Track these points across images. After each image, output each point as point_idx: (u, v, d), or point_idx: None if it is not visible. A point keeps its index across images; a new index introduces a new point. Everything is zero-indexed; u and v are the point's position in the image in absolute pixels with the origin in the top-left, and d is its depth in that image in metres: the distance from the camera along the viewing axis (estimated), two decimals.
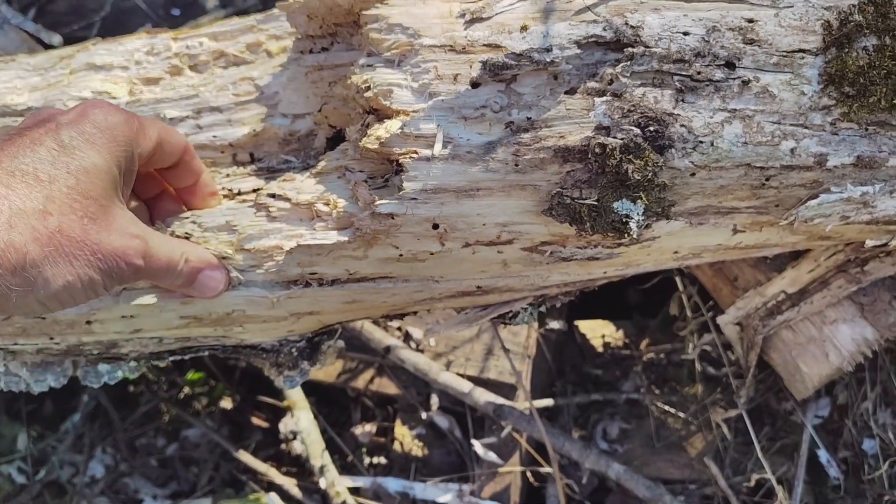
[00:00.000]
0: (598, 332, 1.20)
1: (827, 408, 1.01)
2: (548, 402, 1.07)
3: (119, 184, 0.52)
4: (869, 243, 0.67)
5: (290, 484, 1.10)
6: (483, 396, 1.02)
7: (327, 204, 0.60)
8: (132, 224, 0.52)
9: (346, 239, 0.59)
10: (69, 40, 1.35)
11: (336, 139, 0.68)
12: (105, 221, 0.49)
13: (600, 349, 1.19)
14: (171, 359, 0.71)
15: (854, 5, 0.57)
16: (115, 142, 0.51)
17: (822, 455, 0.99)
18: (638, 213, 0.56)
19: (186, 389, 1.25)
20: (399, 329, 1.13)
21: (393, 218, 0.58)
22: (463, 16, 0.57)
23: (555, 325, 1.12)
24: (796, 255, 0.80)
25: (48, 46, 1.30)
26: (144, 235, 0.53)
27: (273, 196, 0.62)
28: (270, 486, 1.11)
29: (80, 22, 1.46)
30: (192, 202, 0.64)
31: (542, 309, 0.74)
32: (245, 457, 1.13)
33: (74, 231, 0.47)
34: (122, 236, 0.50)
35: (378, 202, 0.57)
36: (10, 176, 0.47)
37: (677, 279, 1.04)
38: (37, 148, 0.48)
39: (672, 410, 1.08)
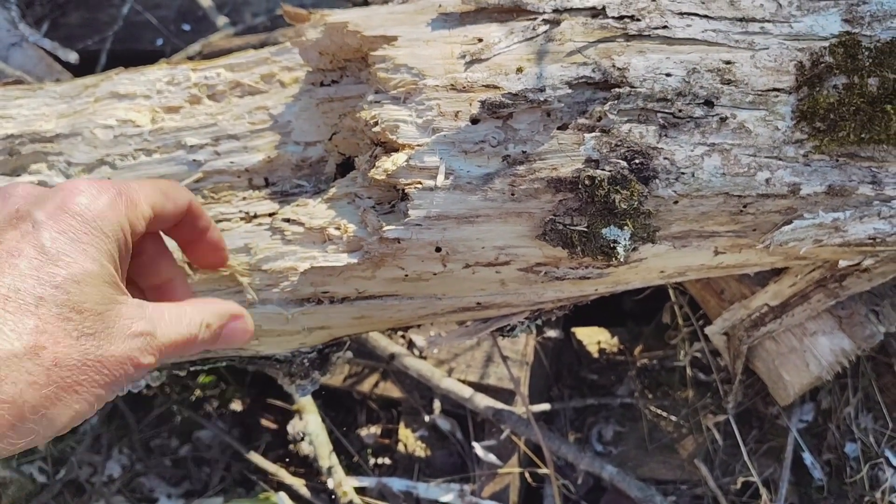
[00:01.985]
0: (594, 338, 1.25)
1: (811, 412, 1.06)
2: (545, 406, 1.12)
3: (115, 277, 0.45)
4: (842, 264, 0.72)
5: (299, 484, 1.15)
6: (483, 401, 1.07)
7: (338, 228, 0.65)
8: (136, 319, 0.45)
9: (356, 261, 0.64)
10: (83, 55, 1.40)
11: (346, 165, 0.73)
12: (105, 332, 0.43)
13: (596, 355, 1.24)
14: (191, 368, 0.76)
15: (825, 47, 0.62)
16: (104, 235, 0.45)
17: (807, 457, 1.04)
18: (625, 239, 0.61)
19: (198, 392, 1.30)
20: (403, 337, 1.18)
21: (399, 242, 0.62)
22: (463, 57, 0.62)
23: (552, 332, 1.17)
24: (778, 271, 0.85)
25: (65, 63, 1.34)
26: (152, 327, 0.46)
27: (288, 220, 0.67)
28: (280, 486, 1.16)
29: (94, 36, 1.51)
30: (195, 257, 0.62)
31: (539, 322, 0.79)
32: (255, 457, 1.18)
33: (72, 358, 0.41)
34: (126, 340, 0.44)
35: (385, 228, 0.62)
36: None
37: (669, 290, 1.09)
38: (15, 261, 0.41)
39: (664, 414, 1.13)
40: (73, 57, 1.35)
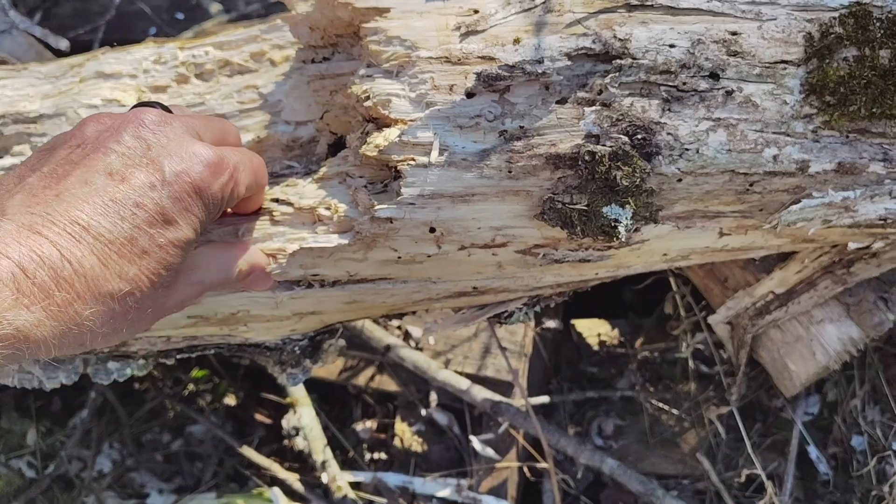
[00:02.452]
0: (594, 330, 1.23)
1: (817, 405, 1.03)
2: (544, 399, 1.09)
3: (198, 237, 0.52)
4: (851, 246, 0.69)
5: (293, 479, 1.13)
6: (481, 393, 1.05)
7: (328, 208, 0.62)
8: (196, 269, 0.53)
9: (347, 242, 0.61)
10: (75, 44, 1.37)
11: (337, 145, 0.71)
12: (174, 283, 0.51)
13: (596, 347, 1.22)
14: (178, 357, 0.74)
15: (835, 18, 0.59)
16: (207, 210, 0.50)
17: (812, 451, 1.02)
18: (626, 218, 0.58)
19: (191, 387, 1.28)
20: (399, 328, 1.15)
21: (391, 222, 0.60)
22: (458, 29, 0.60)
23: (551, 324, 1.15)
24: (784, 257, 0.82)
25: (55, 51, 1.32)
26: (204, 275, 0.54)
27: (276, 201, 0.64)
28: (273, 481, 1.14)
29: (86, 26, 1.48)
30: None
31: (537, 309, 0.76)
32: (249, 452, 1.16)
33: (147, 304, 0.48)
34: (185, 287, 0.52)
35: (377, 207, 0.59)
36: (107, 245, 0.45)
37: (671, 279, 1.06)
38: (136, 212, 0.46)
39: (666, 407, 1.11)
40: (63, 44, 1.33)
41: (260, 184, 0.59)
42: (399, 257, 0.63)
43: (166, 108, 0.57)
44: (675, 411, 1.10)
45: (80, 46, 1.39)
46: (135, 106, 0.56)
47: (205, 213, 0.50)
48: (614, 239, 0.59)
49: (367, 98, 0.60)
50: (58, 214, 0.43)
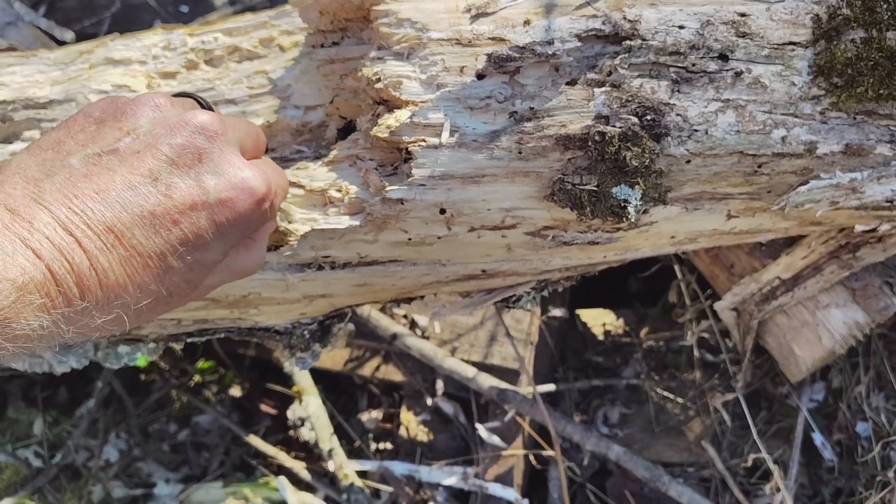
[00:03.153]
0: (600, 320, 1.23)
1: (822, 392, 1.04)
2: (550, 387, 1.10)
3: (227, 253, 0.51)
4: (858, 228, 0.70)
5: (300, 467, 1.13)
6: (487, 381, 1.05)
7: (339, 190, 0.63)
8: (211, 277, 0.52)
9: (358, 223, 0.62)
10: (80, 37, 1.38)
11: (347, 130, 0.71)
12: (190, 294, 0.50)
13: (601, 337, 1.22)
14: (188, 340, 0.74)
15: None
16: (240, 232, 0.50)
17: (817, 438, 1.02)
18: (636, 198, 0.59)
19: (197, 377, 1.28)
20: (405, 317, 1.16)
21: (402, 203, 0.60)
22: (469, 10, 0.60)
23: (557, 312, 1.15)
24: (790, 242, 0.83)
25: (61, 42, 1.32)
26: (216, 281, 0.53)
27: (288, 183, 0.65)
28: (280, 470, 1.14)
29: (91, 18, 1.49)
30: None
31: (545, 293, 0.77)
32: (255, 441, 1.16)
33: (159, 308, 0.48)
34: (197, 293, 0.51)
35: (388, 188, 0.60)
36: (136, 258, 0.44)
37: (676, 267, 1.06)
38: (173, 230, 0.45)
39: (671, 396, 1.11)
40: (69, 36, 1.34)
41: (285, 195, 0.59)
42: (409, 239, 0.64)
43: (209, 106, 0.56)
44: (680, 400, 1.11)
45: (86, 39, 1.39)
46: (178, 94, 0.55)
47: (238, 237, 0.50)
48: (623, 219, 0.59)
49: (378, 80, 0.60)
50: (95, 217, 0.42)
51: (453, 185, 0.60)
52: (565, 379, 1.17)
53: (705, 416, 1.09)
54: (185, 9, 1.47)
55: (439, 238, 0.64)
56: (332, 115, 0.71)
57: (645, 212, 0.62)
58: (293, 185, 0.64)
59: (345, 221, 0.62)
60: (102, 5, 1.51)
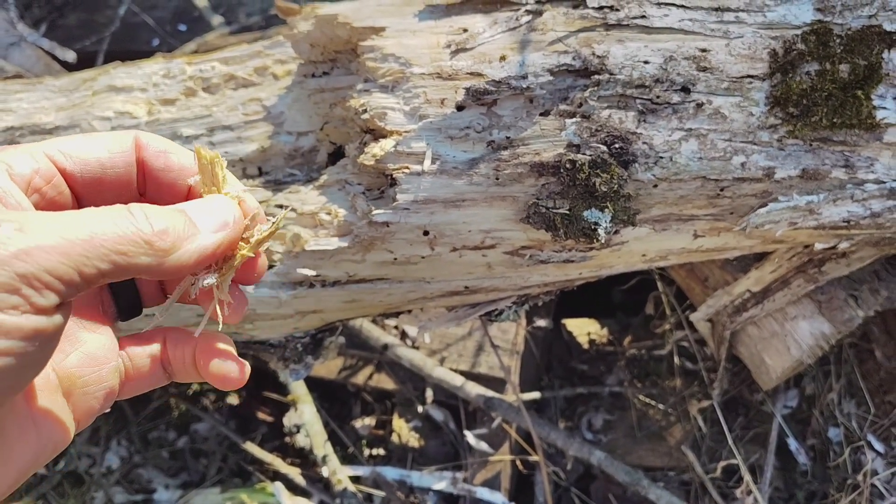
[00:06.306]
0: (584, 329, 1.27)
1: (795, 399, 1.08)
2: (535, 395, 1.14)
3: None
4: (818, 246, 0.74)
5: (295, 473, 1.17)
6: (474, 390, 1.09)
7: (329, 214, 0.67)
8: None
9: (346, 245, 0.66)
10: (81, 55, 1.42)
11: (336, 154, 0.75)
12: None
13: (586, 346, 1.26)
14: None
15: (798, 35, 0.64)
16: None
17: (792, 443, 1.06)
18: (606, 221, 0.63)
19: (195, 386, 1.32)
20: (396, 328, 1.20)
21: (388, 226, 0.65)
22: (449, 46, 0.64)
23: (542, 323, 1.19)
24: (760, 257, 0.87)
25: (62, 62, 1.37)
26: None
27: (280, 206, 0.69)
28: (276, 476, 1.18)
29: (91, 37, 1.53)
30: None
31: (526, 307, 0.81)
32: (252, 448, 1.20)
33: None
34: None
35: (374, 212, 0.64)
36: None
37: (657, 280, 1.11)
38: None
39: (653, 402, 1.15)
40: (70, 56, 1.38)
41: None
42: (395, 259, 0.68)
43: None
44: (661, 406, 1.15)
45: (86, 57, 1.44)
46: None
47: None
48: (595, 241, 0.63)
49: (365, 111, 0.64)
50: None
51: (436, 208, 0.64)
52: (551, 387, 1.21)
53: (686, 422, 1.13)
54: (183, 28, 1.51)
55: (423, 258, 0.68)
56: (322, 140, 0.75)
57: (616, 232, 0.66)
58: (285, 208, 0.68)
59: (334, 243, 0.66)
60: (102, 24, 1.55)
